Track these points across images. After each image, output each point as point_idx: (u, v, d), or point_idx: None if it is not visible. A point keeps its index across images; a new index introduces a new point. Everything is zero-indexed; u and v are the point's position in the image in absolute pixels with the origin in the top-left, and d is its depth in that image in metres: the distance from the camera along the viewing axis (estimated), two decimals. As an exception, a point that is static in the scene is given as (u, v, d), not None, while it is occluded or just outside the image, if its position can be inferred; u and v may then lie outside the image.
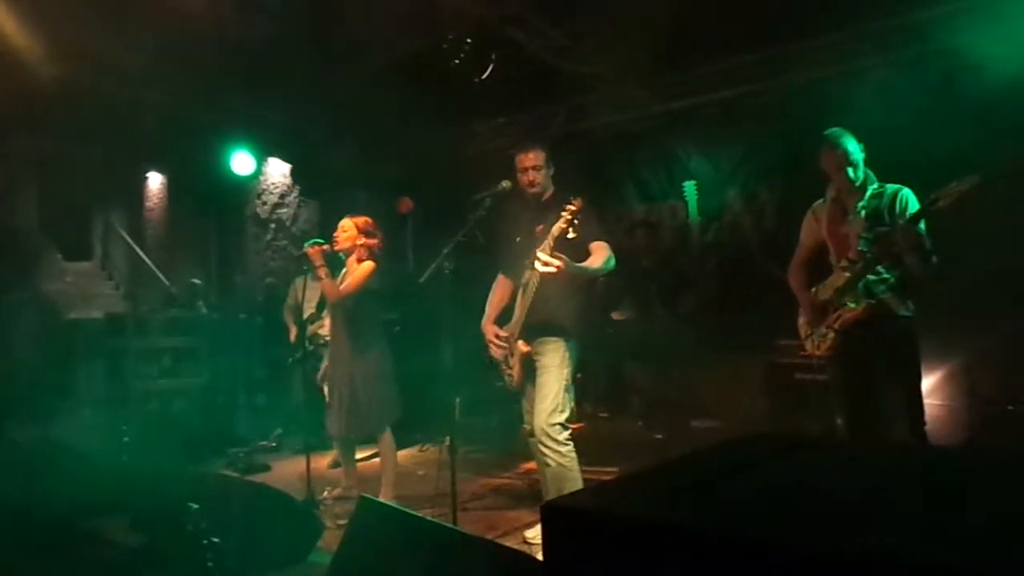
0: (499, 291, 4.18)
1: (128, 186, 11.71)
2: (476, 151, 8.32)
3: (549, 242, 3.51)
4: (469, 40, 5.71)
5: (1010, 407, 4.74)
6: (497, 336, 3.97)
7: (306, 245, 4.55)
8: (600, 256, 3.67)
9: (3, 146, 8.65)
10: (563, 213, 3.46)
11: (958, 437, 4.78)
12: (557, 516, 1.28)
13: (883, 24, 5.80)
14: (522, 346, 3.81)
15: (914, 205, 3.44)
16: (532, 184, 3.90)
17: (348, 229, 4.61)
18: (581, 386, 6.75)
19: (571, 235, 3.48)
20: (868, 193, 3.55)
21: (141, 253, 11.11)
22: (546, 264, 3.39)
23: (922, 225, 3.40)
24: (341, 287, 4.48)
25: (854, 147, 3.54)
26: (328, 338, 5.19)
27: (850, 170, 3.52)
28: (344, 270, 4.68)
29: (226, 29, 6.00)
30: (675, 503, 1.23)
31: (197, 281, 8.82)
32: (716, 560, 1.03)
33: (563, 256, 3.40)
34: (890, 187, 3.55)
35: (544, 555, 1.29)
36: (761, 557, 0.99)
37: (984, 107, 5.06)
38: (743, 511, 1.19)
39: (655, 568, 1.09)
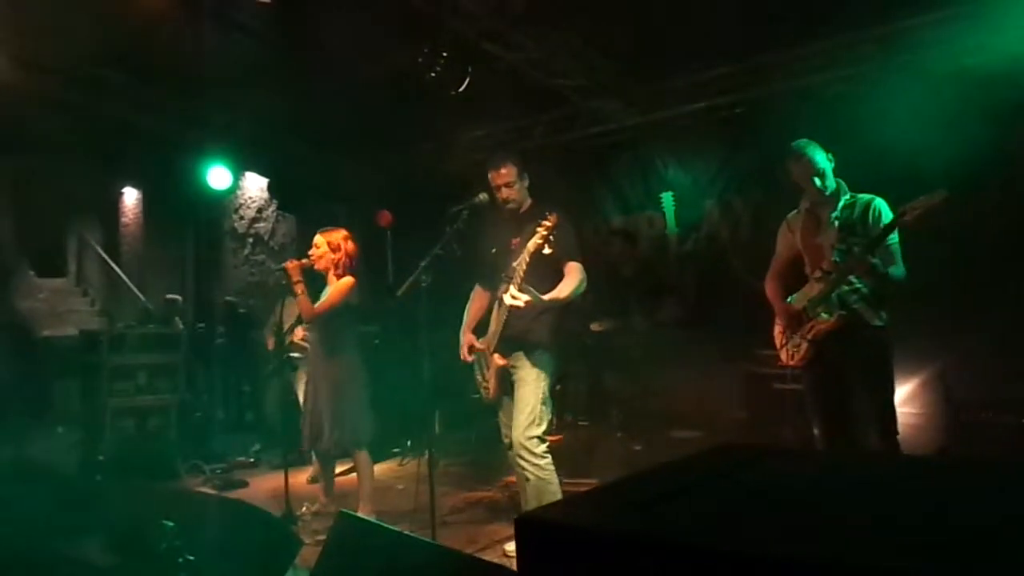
0: (476, 302, 4.19)
1: (103, 202, 11.63)
2: (454, 164, 8.33)
3: (524, 257, 3.52)
4: (445, 54, 5.71)
5: (985, 414, 4.79)
6: (471, 348, 3.97)
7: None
8: (571, 280, 3.68)
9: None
10: (539, 229, 3.47)
11: (934, 445, 4.82)
12: (530, 529, 1.28)
13: (857, 35, 5.88)
14: (498, 359, 3.81)
15: (887, 215, 3.47)
16: (507, 200, 3.93)
17: (320, 246, 4.58)
18: (560, 398, 6.76)
19: (547, 251, 3.50)
20: (840, 204, 3.59)
21: (117, 269, 11.02)
22: (514, 298, 3.45)
23: (895, 237, 3.44)
24: (317, 305, 4.45)
25: (821, 157, 3.57)
26: (303, 348, 5.18)
27: (817, 180, 3.55)
28: (327, 287, 4.65)
29: (202, 44, 5.98)
30: (644, 514, 1.23)
31: (175, 297, 8.74)
32: (683, 570, 1.03)
33: (531, 291, 3.47)
34: (862, 197, 3.59)
35: (518, 567, 1.29)
36: (726, 566, 0.99)
37: (959, 117, 5.13)
38: (711, 521, 1.19)
39: (625, 578, 1.09)
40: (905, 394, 5.12)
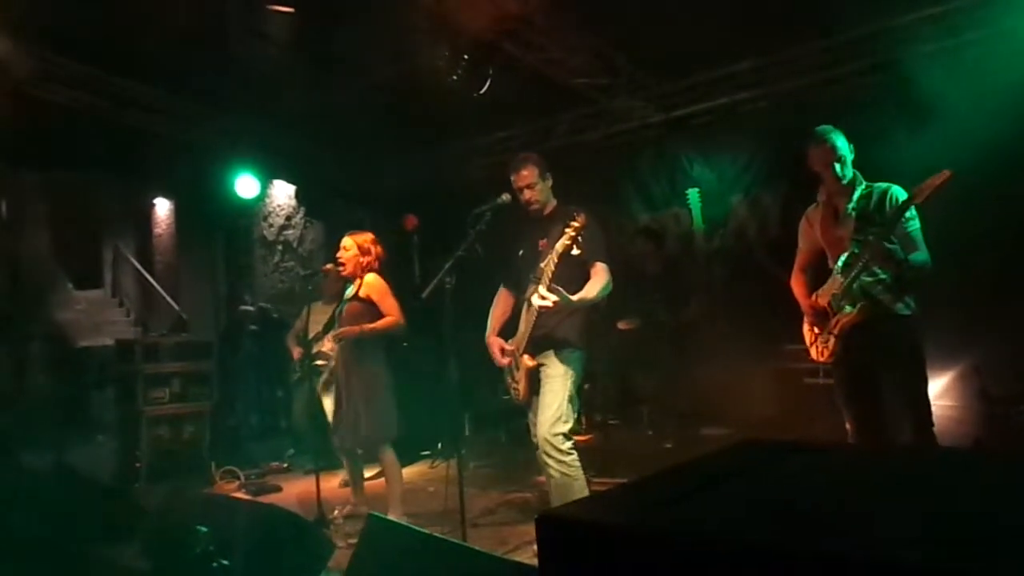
0: (501, 304, 4.19)
1: (136, 213, 11.84)
2: (478, 165, 8.35)
3: (553, 258, 3.53)
4: (467, 56, 5.73)
5: (1022, 408, 4.69)
6: (503, 350, 3.97)
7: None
8: (598, 281, 3.68)
9: (14, 177, 8.74)
10: (567, 230, 3.48)
11: (969, 439, 4.73)
12: (551, 527, 1.27)
13: (883, 24, 5.80)
14: (528, 360, 3.80)
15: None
16: (530, 202, 3.92)
17: (350, 248, 4.62)
18: (589, 397, 6.75)
19: (575, 252, 3.50)
20: (857, 194, 3.53)
21: (150, 279, 11.21)
22: (543, 298, 3.46)
23: (916, 224, 3.38)
24: (389, 316, 4.49)
25: (842, 143, 3.51)
26: (328, 357, 5.23)
27: (837, 166, 3.48)
28: (352, 287, 4.69)
29: (228, 54, 6.07)
30: (668, 511, 1.22)
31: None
32: (706, 567, 1.02)
33: (560, 291, 3.46)
34: (879, 186, 3.52)
35: (539, 566, 1.29)
36: (750, 562, 0.98)
37: (990, 106, 5.04)
38: (736, 517, 1.18)
39: (646, 576, 1.09)
40: (940, 387, 5.04)
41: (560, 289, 3.49)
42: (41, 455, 5.65)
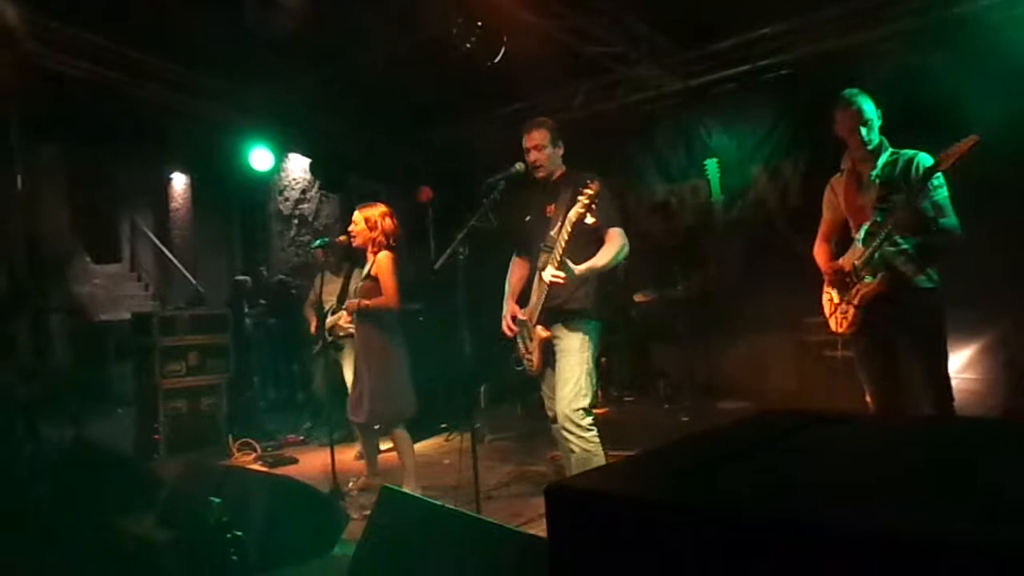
0: (516, 272, 4.12)
1: (154, 187, 11.90)
2: (494, 136, 8.26)
3: (566, 227, 3.45)
4: (481, 24, 5.63)
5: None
6: (514, 319, 3.92)
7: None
8: (611, 247, 3.60)
9: (33, 153, 8.76)
10: (580, 198, 3.39)
11: (996, 411, 4.65)
12: (561, 497, 1.24)
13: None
14: (541, 331, 3.73)
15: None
16: (535, 164, 3.81)
17: (359, 223, 4.58)
18: (606, 370, 6.71)
19: (589, 220, 3.42)
20: (881, 160, 3.43)
21: (168, 253, 11.28)
22: (554, 276, 3.43)
23: (944, 192, 3.28)
24: (384, 296, 4.45)
25: (869, 107, 3.41)
26: (346, 329, 5.22)
27: (864, 130, 3.38)
28: (368, 264, 4.65)
29: (242, 25, 6.01)
30: (680, 482, 1.17)
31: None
32: (726, 540, 0.98)
33: (568, 266, 3.42)
34: (905, 153, 3.41)
35: (548, 537, 1.25)
36: (765, 535, 0.93)
37: (1017, 72, 4.89)
38: (757, 489, 1.13)
39: (656, 548, 1.04)
40: (964, 360, 4.95)
41: (568, 263, 3.42)
42: (60, 427, 5.71)
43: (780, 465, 1.29)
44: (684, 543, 1.02)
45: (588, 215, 3.39)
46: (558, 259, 3.45)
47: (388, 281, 4.46)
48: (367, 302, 4.46)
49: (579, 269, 3.49)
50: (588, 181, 3.41)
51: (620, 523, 1.09)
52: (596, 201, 3.38)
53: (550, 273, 3.46)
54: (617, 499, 1.13)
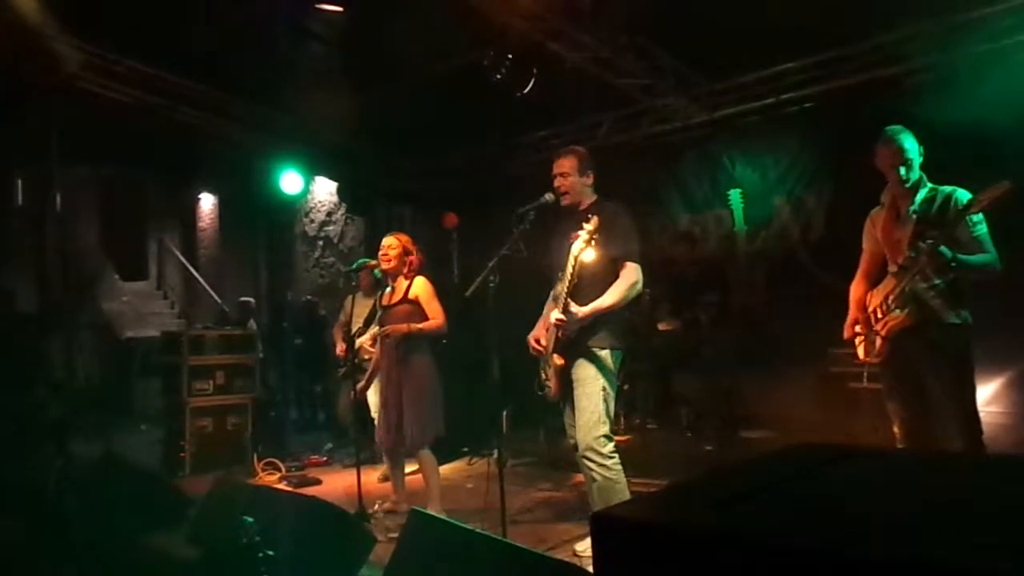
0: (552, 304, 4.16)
1: (181, 207, 12.10)
2: (520, 164, 8.36)
3: (571, 262, 3.51)
4: (511, 55, 5.74)
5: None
6: (537, 342, 3.97)
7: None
8: (621, 285, 3.62)
9: (68, 173, 8.94)
10: (581, 232, 3.44)
11: (1022, 445, 4.63)
12: (607, 526, 1.28)
13: (931, 24, 5.69)
14: (556, 359, 3.76)
15: None
16: (561, 191, 3.85)
17: (395, 247, 4.67)
18: (628, 398, 6.72)
19: (592, 255, 3.47)
20: (920, 196, 3.47)
21: (194, 272, 11.44)
22: (558, 319, 3.51)
23: (983, 228, 3.31)
24: (433, 320, 4.55)
25: (911, 145, 3.45)
26: (371, 353, 5.29)
27: (903, 169, 3.42)
28: (389, 287, 4.74)
29: (275, 51, 6.15)
30: (724, 512, 1.22)
31: (248, 299, 9.01)
32: (764, 568, 1.02)
33: (570, 310, 3.50)
34: (943, 189, 3.45)
35: (594, 565, 1.29)
36: (809, 564, 0.98)
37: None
38: (792, 519, 1.17)
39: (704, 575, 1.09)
40: (990, 393, 4.93)
41: (571, 306, 3.50)
42: (89, 443, 5.79)
43: (821, 496, 1.33)
44: (732, 570, 1.07)
45: (589, 249, 3.44)
46: (563, 299, 3.51)
47: (435, 305, 4.57)
48: (417, 326, 4.53)
49: (582, 312, 3.54)
50: (589, 215, 3.46)
51: (669, 551, 1.14)
52: (598, 234, 3.42)
53: (554, 316, 3.53)
54: (664, 528, 1.18)
